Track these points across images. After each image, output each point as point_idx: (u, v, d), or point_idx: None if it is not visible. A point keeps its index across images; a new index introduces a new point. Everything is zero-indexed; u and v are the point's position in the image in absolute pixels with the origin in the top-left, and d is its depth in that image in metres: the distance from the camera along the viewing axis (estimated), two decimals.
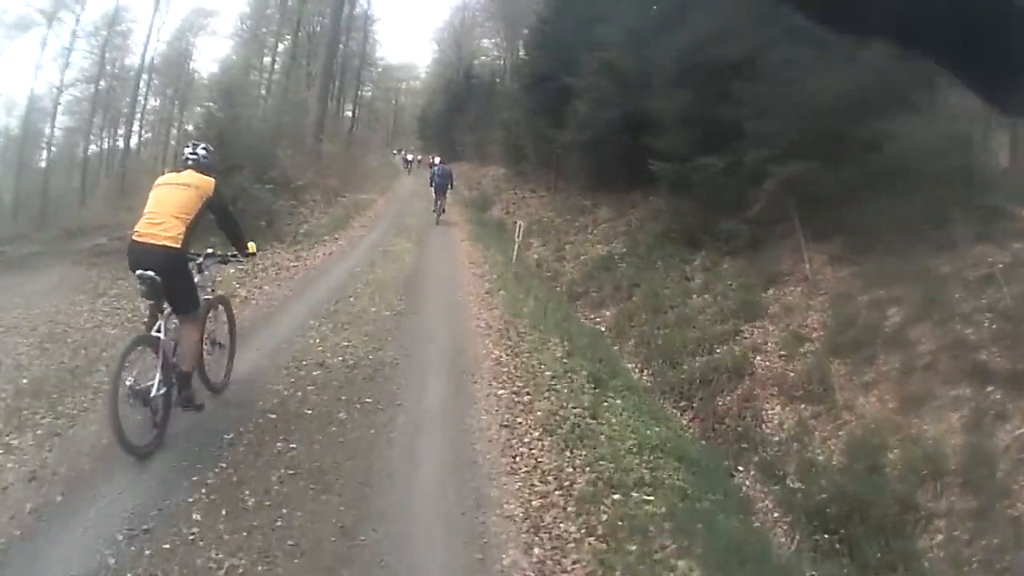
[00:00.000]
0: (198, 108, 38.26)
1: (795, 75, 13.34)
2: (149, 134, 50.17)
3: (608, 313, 17.38)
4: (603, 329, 16.45)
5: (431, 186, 27.01)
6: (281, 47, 52.00)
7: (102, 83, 44.33)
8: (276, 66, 52.17)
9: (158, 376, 5.81)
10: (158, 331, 5.95)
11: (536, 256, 23.39)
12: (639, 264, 18.60)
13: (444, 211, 26.58)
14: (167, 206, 5.96)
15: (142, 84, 46.93)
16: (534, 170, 32.64)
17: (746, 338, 13.13)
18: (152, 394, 5.72)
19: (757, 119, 14.32)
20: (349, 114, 59.72)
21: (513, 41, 52.96)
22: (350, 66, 56.37)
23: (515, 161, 35.54)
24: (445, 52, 67.86)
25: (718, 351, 13.04)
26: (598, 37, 22.35)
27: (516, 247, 20.03)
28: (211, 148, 6.69)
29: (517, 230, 19.87)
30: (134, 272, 5.82)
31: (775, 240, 15.13)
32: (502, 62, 57.53)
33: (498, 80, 53.38)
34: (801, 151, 13.25)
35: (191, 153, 6.44)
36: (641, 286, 17.42)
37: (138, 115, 47.85)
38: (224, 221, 6.70)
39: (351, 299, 13.19)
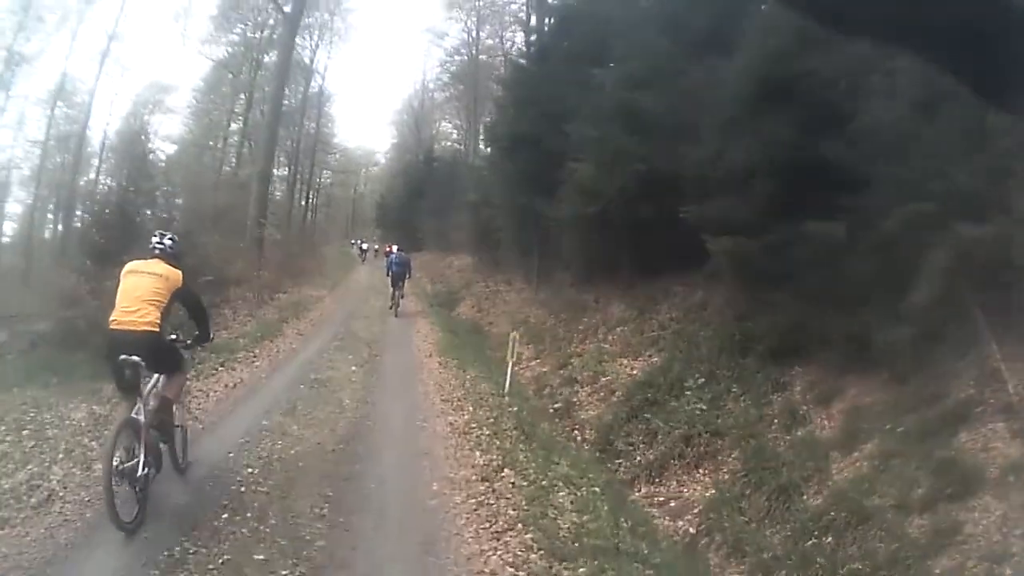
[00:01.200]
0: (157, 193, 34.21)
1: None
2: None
3: (688, 494, 10.35)
4: (691, 532, 9.37)
5: (387, 276, 23.50)
6: (234, 127, 45.77)
7: (57, 159, 40.57)
8: (230, 146, 46.31)
9: (142, 457, 5.71)
10: (137, 414, 5.83)
11: (533, 376, 16.75)
12: (705, 393, 11.91)
13: (402, 300, 23.04)
14: (140, 293, 5.93)
15: (96, 163, 42.33)
16: (510, 257, 26.83)
17: (970, 539, 6.64)
18: (137, 473, 5.65)
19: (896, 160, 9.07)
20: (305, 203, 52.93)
21: (475, 122, 48.58)
22: (306, 149, 50.11)
23: (485, 248, 30.14)
24: (404, 136, 63.00)
25: None
26: (601, 77, 17.11)
27: (509, 371, 13.19)
28: (176, 238, 6.60)
29: (510, 346, 12.97)
30: (115, 358, 5.74)
31: (934, 343, 8.81)
32: (463, 146, 52.34)
33: (461, 153, 49.48)
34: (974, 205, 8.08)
35: (158, 243, 6.37)
36: (727, 435, 10.71)
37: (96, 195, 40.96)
38: (193, 309, 6.66)
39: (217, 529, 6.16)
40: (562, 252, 21.21)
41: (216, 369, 12.71)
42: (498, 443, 9.45)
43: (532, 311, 21.50)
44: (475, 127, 48.64)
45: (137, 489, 5.72)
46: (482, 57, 47.46)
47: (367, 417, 10.42)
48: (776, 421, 10.38)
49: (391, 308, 22.59)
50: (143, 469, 5.72)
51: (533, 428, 10.96)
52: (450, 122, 57.30)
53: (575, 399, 14.45)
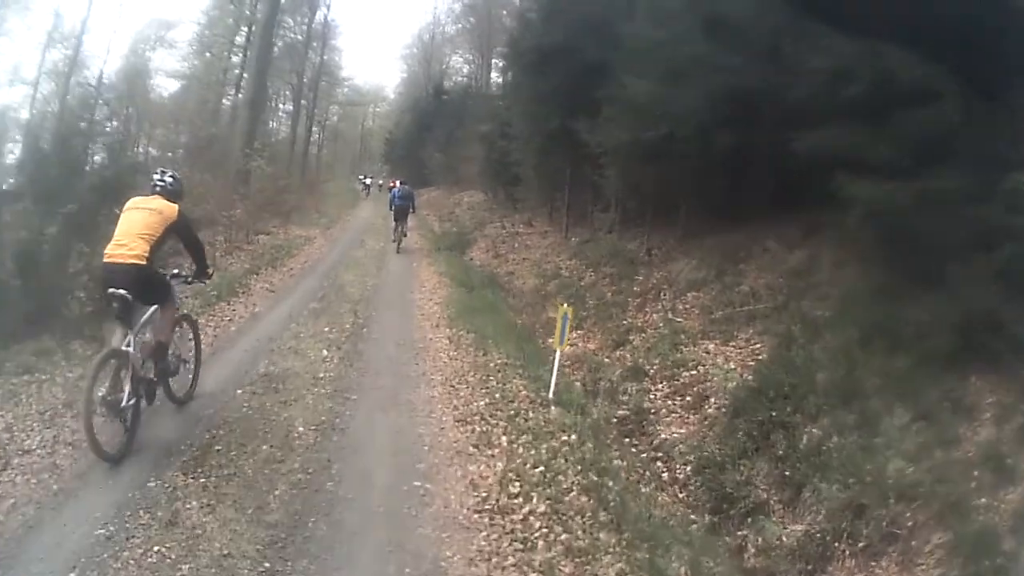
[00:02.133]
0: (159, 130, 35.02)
1: None
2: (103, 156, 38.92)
3: None
4: None
5: (390, 210, 20.88)
6: (235, 59, 40.79)
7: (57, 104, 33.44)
8: (230, 80, 40.94)
9: (127, 388, 5.53)
10: (127, 346, 5.64)
11: (576, 357, 12.01)
12: (850, 414, 7.44)
13: (405, 236, 20.52)
14: (134, 227, 5.79)
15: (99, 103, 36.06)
16: (531, 195, 22.73)
17: None
18: (123, 404, 5.48)
19: None
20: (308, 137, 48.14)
21: (488, 55, 45.08)
22: (311, 83, 45.69)
23: (500, 184, 26.06)
24: (413, 70, 57.99)
25: None
26: None
27: (556, 365, 8.62)
28: (177, 176, 6.44)
29: (559, 326, 8.35)
30: (106, 290, 5.64)
31: None
32: (475, 80, 47.47)
33: (473, 86, 45.19)
34: None
35: (159, 180, 6.24)
36: (913, 497, 6.06)
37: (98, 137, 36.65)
38: (189, 244, 6.56)
39: None
40: (600, 188, 16.67)
41: None
42: (562, 534, 5.05)
43: (563, 260, 16.75)
44: (487, 60, 45.34)
45: (123, 420, 5.54)
46: None
47: (324, 473, 5.78)
48: (976, 473, 5.95)
49: (394, 242, 20.01)
50: (128, 400, 5.51)
51: (616, 490, 6.25)
52: (461, 56, 52.50)
53: (648, 403, 9.72)
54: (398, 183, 23.48)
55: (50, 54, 32.30)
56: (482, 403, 7.74)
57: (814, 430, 7.31)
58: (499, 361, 9.41)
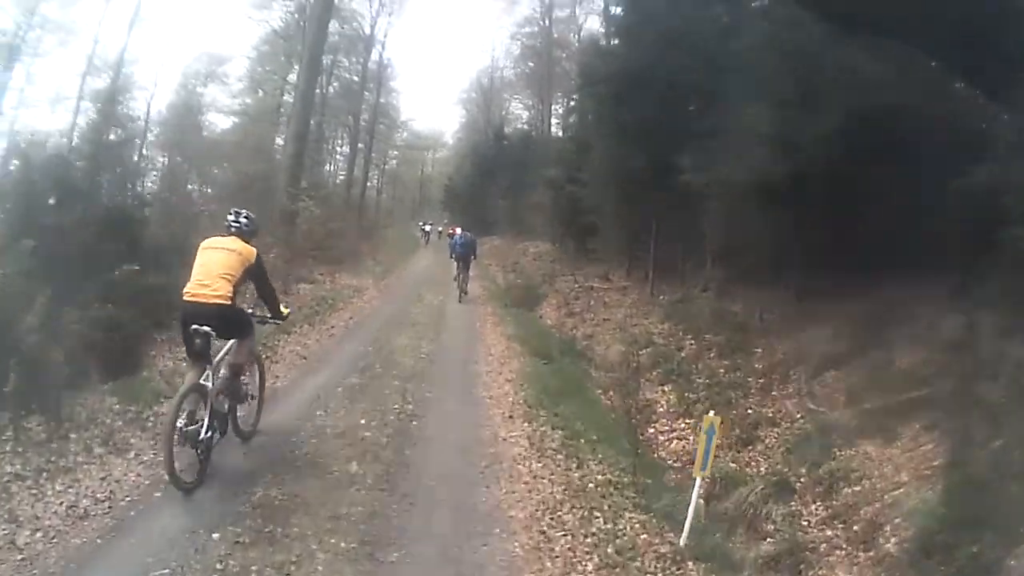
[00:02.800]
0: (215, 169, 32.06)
1: None
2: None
3: None
4: None
5: (451, 258, 19.44)
6: (287, 98, 38.83)
7: (111, 135, 30.20)
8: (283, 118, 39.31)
9: (206, 421, 5.64)
10: (206, 380, 5.77)
11: (684, 453, 9.21)
12: None
13: (467, 287, 18.51)
14: (215, 268, 5.84)
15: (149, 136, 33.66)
16: (607, 245, 19.71)
17: None
18: (200, 436, 5.57)
19: None
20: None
21: (548, 99, 40.82)
22: (368, 126, 43.56)
23: (570, 233, 22.97)
24: (472, 114, 55.01)
25: None
26: None
27: (695, 500, 5.82)
28: (252, 216, 6.39)
29: (701, 448, 5.42)
30: (187, 328, 5.69)
31: None
32: (535, 128, 44.75)
33: (535, 131, 41.56)
34: None
35: (234, 220, 6.21)
36: None
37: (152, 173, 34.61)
38: (262, 286, 6.45)
39: None
40: (693, 239, 14.24)
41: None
42: None
43: (653, 324, 13.82)
44: (548, 106, 41.03)
45: (199, 451, 5.64)
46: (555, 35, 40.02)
47: None
48: None
49: (457, 288, 18.06)
50: (206, 432, 5.65)
51: None
52: (521, 102, 49.66)
53: (801, 533, 6.81)
54: (458, 230, 21.78)
55: (91, 81, 30.88)
56: (589, 566, 4.95)
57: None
58: (601, 478, 6.70)
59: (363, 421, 7.48)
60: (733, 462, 8.42)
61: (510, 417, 8.22)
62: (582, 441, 7.55)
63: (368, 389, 8.66)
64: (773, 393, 9.56)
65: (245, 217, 6.26)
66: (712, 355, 11.31)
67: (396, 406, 8.13)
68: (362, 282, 19.83)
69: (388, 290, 19.66)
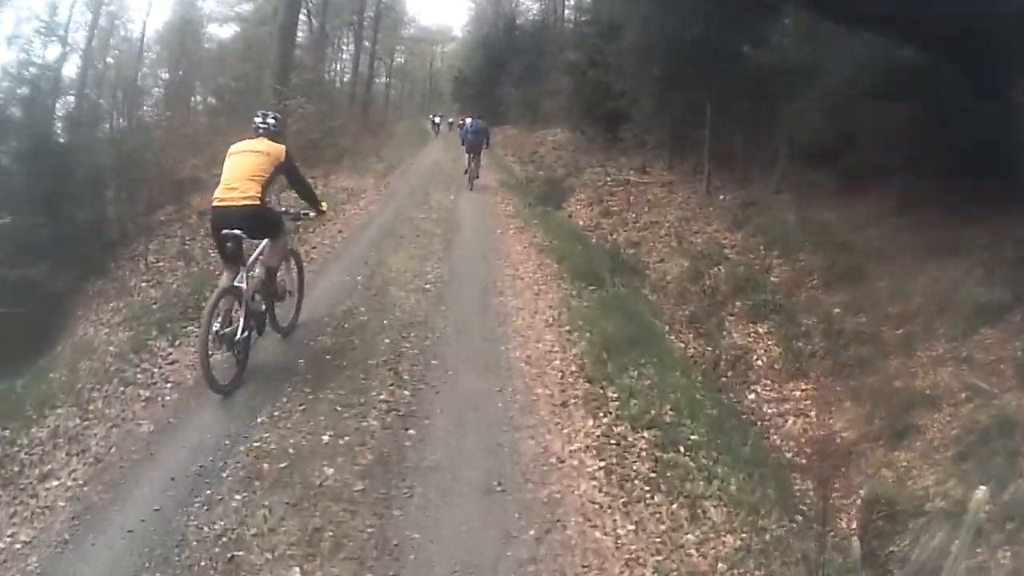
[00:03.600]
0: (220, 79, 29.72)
1: None
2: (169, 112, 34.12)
3: None
4: None
5: (463, 145, 17.72)
6: None
7: (109, 58, 30.40)
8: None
9: (241, 322, 5.24)
10: (239, 282, 5.36)
11: (806, 440, 6.03)
12: None
13: (479, 173, 17.01)
14: (243, 171, 5.44)
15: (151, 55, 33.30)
16: (647, 133, 16.16)
17: None
18: (236, 338, 5.20)
19: None
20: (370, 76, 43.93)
21: None
22: (371, 20, 41.60)
23: (595, 121, 19.49)
24: (481, 6, 50.88)
25: None
26: None
27: None
28: (279, 116, 6.13)
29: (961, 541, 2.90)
30: (218, 232, 5.34)
31: None
32: (551, 16, 40.24)
33: (550, 19, 38.69)
34: None
35: (261, 122, 5.87)
36: None
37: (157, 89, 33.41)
38: (296, 182, 6.06)
39: None
40: (759, 128, 10.68)
41: None
42: None
43: (719, 232, 10.57)
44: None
45: (236, 352, 5.30)
46: None
47: None
48: None
49: (467, 179, 16.58)
50: (243, 333, 5.28)
51: None
52: None
53: None
54: (469, 120, 19.40)
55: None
56: None
57: None
58: (734, 543, 3.62)
59: (325, 439, 4.29)
60: (886, 468, 5.24)
61: (563, 406, 4.94)
62: (682, 451, 4.34)
63: (342, 369, 5.41)
64: (917, 354, 6.29)
65: (273, 118, 5.97)
66: (815, 284, 8.03)
67: (382, 396, 4.91)
68: (362, 182, 16.68)
69: (391, 191, 16.27)
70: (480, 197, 14.80)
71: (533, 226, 11.48)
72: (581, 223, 12.97)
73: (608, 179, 15.27)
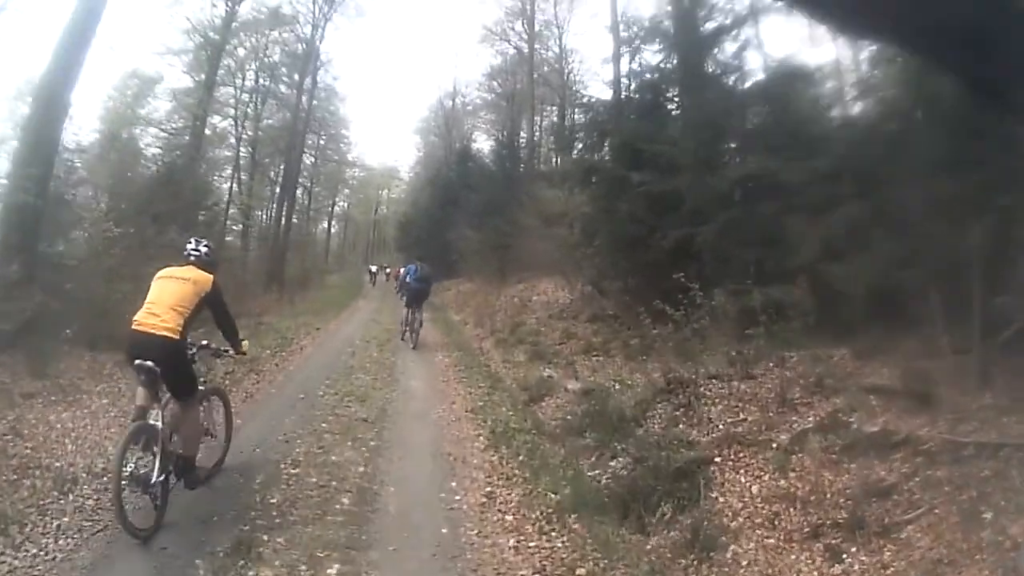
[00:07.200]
0: None
1: None
2: None
3: None
4: None
5: (401, 298, 13.82)
6: None
7: None
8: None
9: (157, 464, 4.87)
10: (155, 420, 5.02)
11: None
12: None
13: (418, 329, 13.14)
14: (166, 298, 5.17)
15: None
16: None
17: None
18: (152, 481, 4.82)
19: None
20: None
21: (519, 121, 31.72)
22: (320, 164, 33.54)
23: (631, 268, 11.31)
24: (432, 141, 45.84)
25: None
26: None
27: None
28: (212, 245, 5.82)
29: None
30: (133, 361, 4.98)
31: None
32: (509, 149, 32.64)
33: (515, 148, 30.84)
34: None
35: (193, 249, 5.64)
36: None
37: None
38: (220, 317, 5.70)
39: None
40: None
41: None
42: None
43: None
44: (523, 124, 31.57)
45: (153, 496, 4.85)
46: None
47: None
48: None
49: (403, 338, 12.96)
50: (159, 476, 4.85)
51: None
52: (486, 128, 38.33)
53: None
54: (401, 271, 16.06)
55: None
56: None
57: None
58: None
59: None
60: None
61: None
62: None
63: None
64: None
65: (205, 246, 5.67)
66: None
67: None
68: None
69: (284, 376, 9.53)
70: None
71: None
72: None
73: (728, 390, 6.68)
